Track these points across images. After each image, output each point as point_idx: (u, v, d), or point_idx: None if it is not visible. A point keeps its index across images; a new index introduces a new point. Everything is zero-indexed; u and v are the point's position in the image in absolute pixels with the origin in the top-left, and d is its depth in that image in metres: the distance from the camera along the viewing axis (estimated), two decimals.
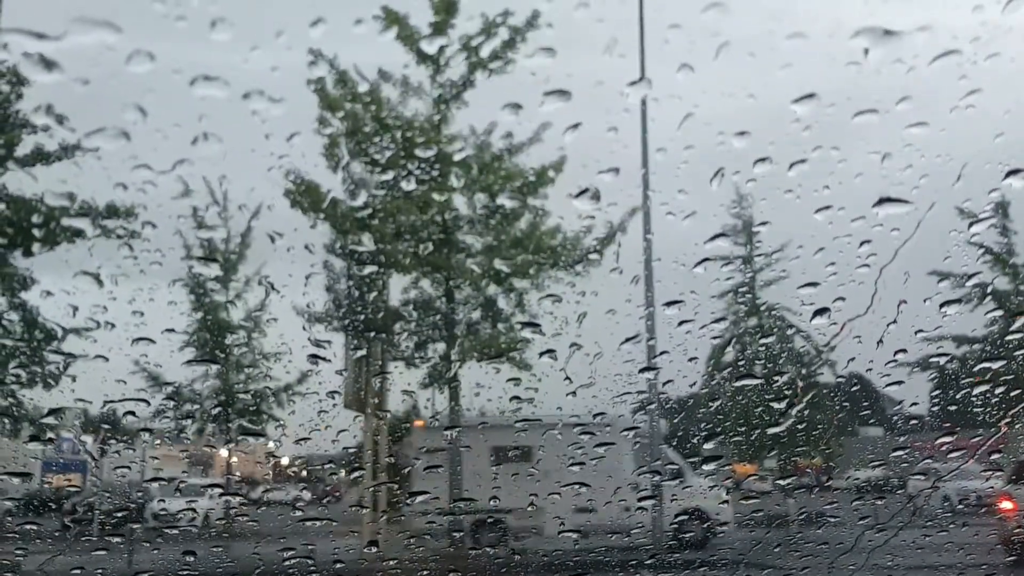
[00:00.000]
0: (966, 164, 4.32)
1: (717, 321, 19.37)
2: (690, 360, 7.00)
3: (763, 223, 26.31)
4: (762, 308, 23.78)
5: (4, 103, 15.71)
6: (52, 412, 14.16)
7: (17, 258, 16.29)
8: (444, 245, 17.72)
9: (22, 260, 16.30)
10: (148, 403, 19.54)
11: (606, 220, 17.02)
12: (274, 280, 26.29)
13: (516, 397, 7.49)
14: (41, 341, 16.52)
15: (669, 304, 5.32)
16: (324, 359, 9.41)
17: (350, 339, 17.76)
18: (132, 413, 6.69)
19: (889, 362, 5.44)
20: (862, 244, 4.75)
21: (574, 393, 5.60)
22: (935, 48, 3.84)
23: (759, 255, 23.73)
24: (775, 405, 7.07)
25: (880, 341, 4.70)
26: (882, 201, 4.02)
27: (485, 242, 17.99)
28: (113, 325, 6.67)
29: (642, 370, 6.52)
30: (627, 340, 5.60)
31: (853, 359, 5.68)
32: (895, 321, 4.71)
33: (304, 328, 17.73)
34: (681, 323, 5.49)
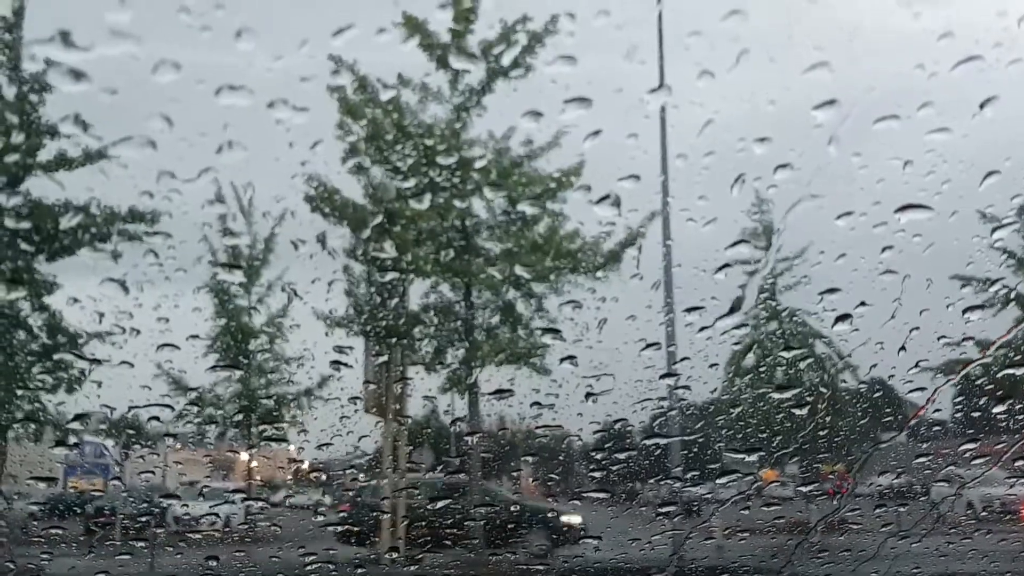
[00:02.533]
0: (990, 172, 4.30)
1: (738, 327, 19.25)
2: (711, 366, 6.99)
3: (783, 229, 26.12)
4: (783, 314, 23.62)
5: (30, 111, 15.86)
6: (77, 417, 14.28)
7: (41, 263, 16.42)
8: (464, 250, 17.74)
9: (47, 265, 16.44)
10: (172, 408, 19.65)
11: (626, 226, 16.99)
12: (296, 286, 26.26)
13: (537, 403, 7.50)
14: (66, 346, 16.67)
15: (689, 310, 5.32)
16: (346, 364, 9.43)
17: (371, 344, 17.81)
18: (156, 418, 6.75)
19: (911, 368, 5.41)
20: (884, 250, 4.73)
21: (594, 399, 5.61)
22: (957, 54, 3.83)
23: (780, 260, 23.56)
24: (797, 411, 7.05)
25: (903, 347, 4.68)
26: (904, 207, 4.01)
27: (504, 247, 17.99)
28: (139, 331, 6.74)
29: (663, 376, 6.51)
30: (648, 346, 5.60)
31: (875, 365, 5.66)
32: (918, 327, 4.70)
33: (326, 334, 17.81)
34: (702, 329, 5.49)
